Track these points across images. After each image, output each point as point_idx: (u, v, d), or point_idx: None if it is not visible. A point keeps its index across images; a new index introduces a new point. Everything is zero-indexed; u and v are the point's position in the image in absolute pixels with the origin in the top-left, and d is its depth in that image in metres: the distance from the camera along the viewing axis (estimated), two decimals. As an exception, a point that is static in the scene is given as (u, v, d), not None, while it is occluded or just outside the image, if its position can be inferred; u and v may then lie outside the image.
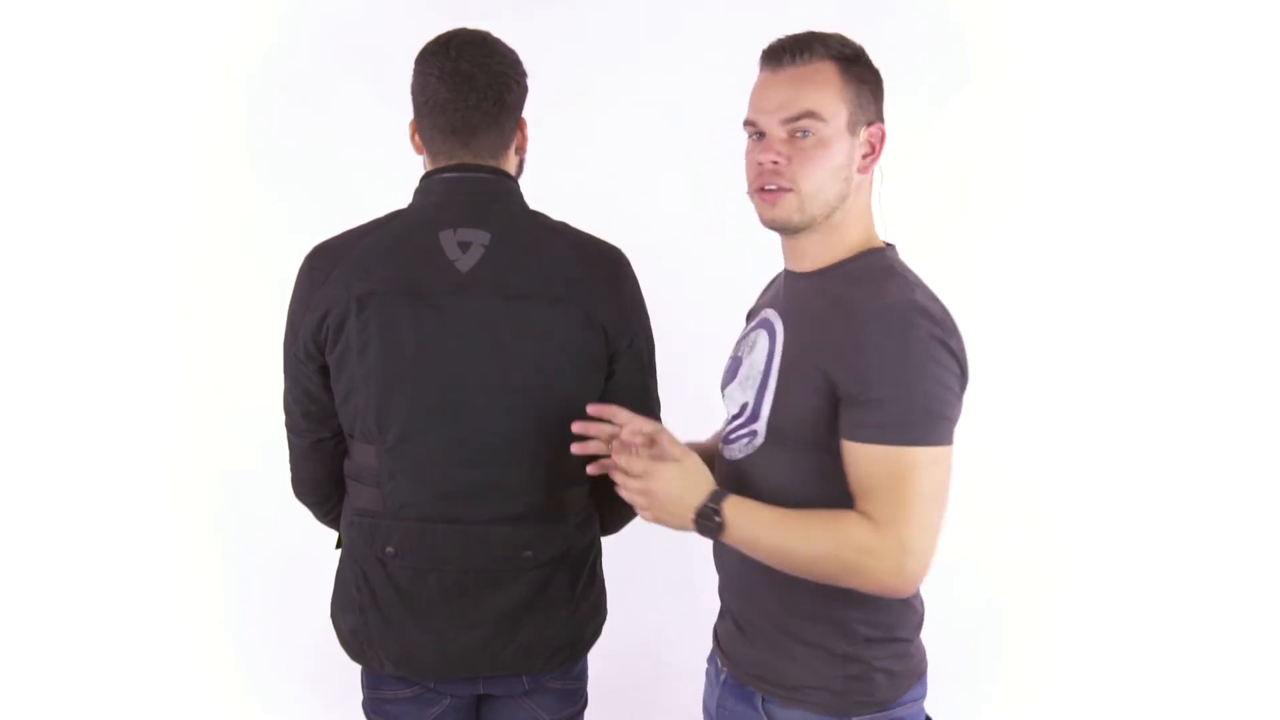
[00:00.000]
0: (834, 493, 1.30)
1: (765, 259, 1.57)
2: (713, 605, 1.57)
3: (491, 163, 1.50)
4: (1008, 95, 2.56)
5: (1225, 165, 2.53)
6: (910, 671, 1.41)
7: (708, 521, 1.29)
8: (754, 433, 1.38)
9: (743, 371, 1.43)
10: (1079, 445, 2.61)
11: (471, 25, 1.52)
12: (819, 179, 1.32)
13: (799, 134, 1.32)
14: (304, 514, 1.71)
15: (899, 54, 2.47)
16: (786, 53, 1.34)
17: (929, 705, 1.46)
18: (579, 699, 1.67)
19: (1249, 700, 2.60)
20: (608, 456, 1.41)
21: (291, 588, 2.51)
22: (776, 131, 1.33)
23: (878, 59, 1.40)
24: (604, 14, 2.58)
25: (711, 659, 1.55)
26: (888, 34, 2.49)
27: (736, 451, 1.42)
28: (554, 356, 1.47)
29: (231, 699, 2.71)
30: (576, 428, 1.43)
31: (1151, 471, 2.61)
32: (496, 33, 1.53)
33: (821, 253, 1.38)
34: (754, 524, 1.29)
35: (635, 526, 1.72)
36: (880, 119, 1.39)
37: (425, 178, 1.51)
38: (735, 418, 1.43)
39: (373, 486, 1.51)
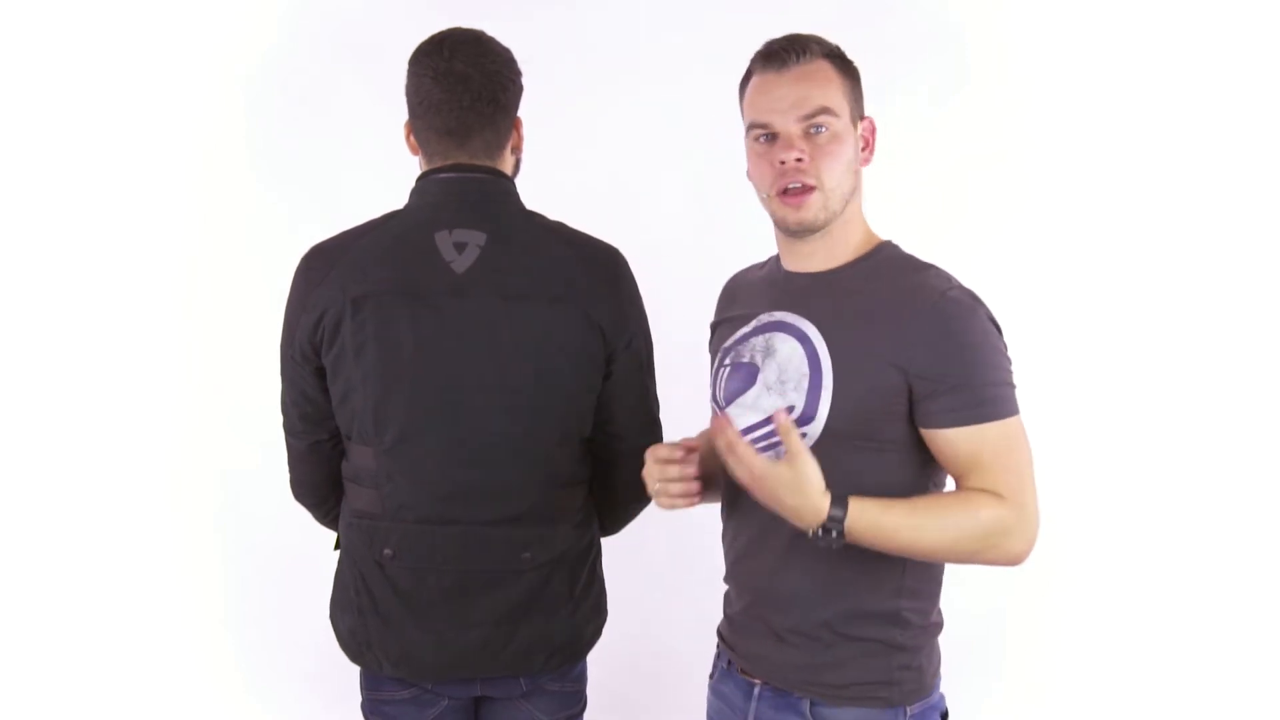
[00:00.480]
0: (886, 488, 1.29)
1: (764, 259, 1.57)
2: (713, 606, 1.56)
3: (487, 163, 1.50)
4: (1008, 95, 2.56)
5: (1225, 165, 2.53)
6: (938, 657, 1.44)
7: (826, 536, 1.25)
8: (801, 435, 1.31)
9: (769, 376, 1.37)
10: (1080, 445, 2.60)
11: (471, 25, 1.52)
12: (838, 173, 1.34)
13: (813, 130, 1.33)
14: (304, 514, 1.71)
15: (899, 54, 2.49)
16: (790, 53, 1.35)
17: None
18: (578, 701, 1.66)
19: (1249, 700, 2.60)
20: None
21: (291, 588, 2.51)
22: (793, 129, 1.34)
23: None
24: (604, 14, 2.58)
25: (729, 678, 1.49)
26: (888, 34, 2.49)
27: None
28: (553, 356, 1.46)
29: (231, 699, 2.71)
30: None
31: (1152, 471, 2.60)
32: (496, 33, 1.52)
33: (832, 251, 1.39)
34: (880, 520, 1.25)
35: (635, 526, 1.72)
36: (865, 114, 1.41)
37: (421, 178, 1.51)
38: (765, 423, 1.37)
39: (371, 488, 1.51)
